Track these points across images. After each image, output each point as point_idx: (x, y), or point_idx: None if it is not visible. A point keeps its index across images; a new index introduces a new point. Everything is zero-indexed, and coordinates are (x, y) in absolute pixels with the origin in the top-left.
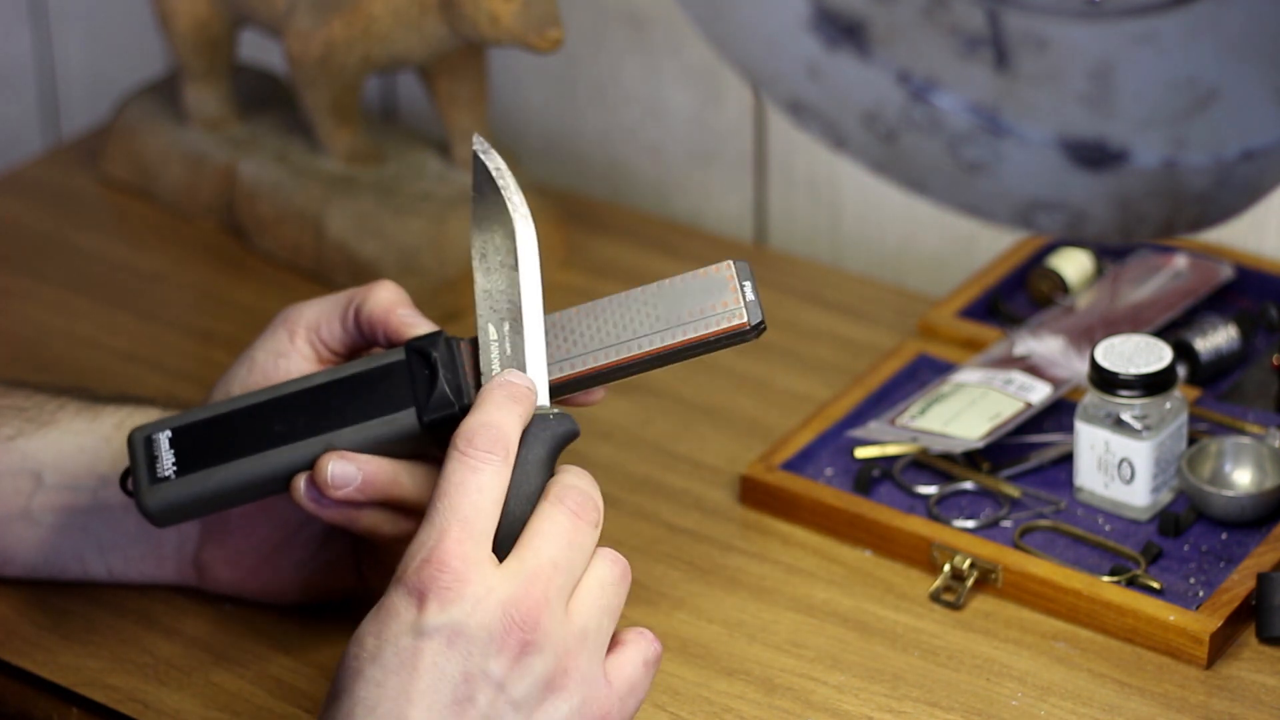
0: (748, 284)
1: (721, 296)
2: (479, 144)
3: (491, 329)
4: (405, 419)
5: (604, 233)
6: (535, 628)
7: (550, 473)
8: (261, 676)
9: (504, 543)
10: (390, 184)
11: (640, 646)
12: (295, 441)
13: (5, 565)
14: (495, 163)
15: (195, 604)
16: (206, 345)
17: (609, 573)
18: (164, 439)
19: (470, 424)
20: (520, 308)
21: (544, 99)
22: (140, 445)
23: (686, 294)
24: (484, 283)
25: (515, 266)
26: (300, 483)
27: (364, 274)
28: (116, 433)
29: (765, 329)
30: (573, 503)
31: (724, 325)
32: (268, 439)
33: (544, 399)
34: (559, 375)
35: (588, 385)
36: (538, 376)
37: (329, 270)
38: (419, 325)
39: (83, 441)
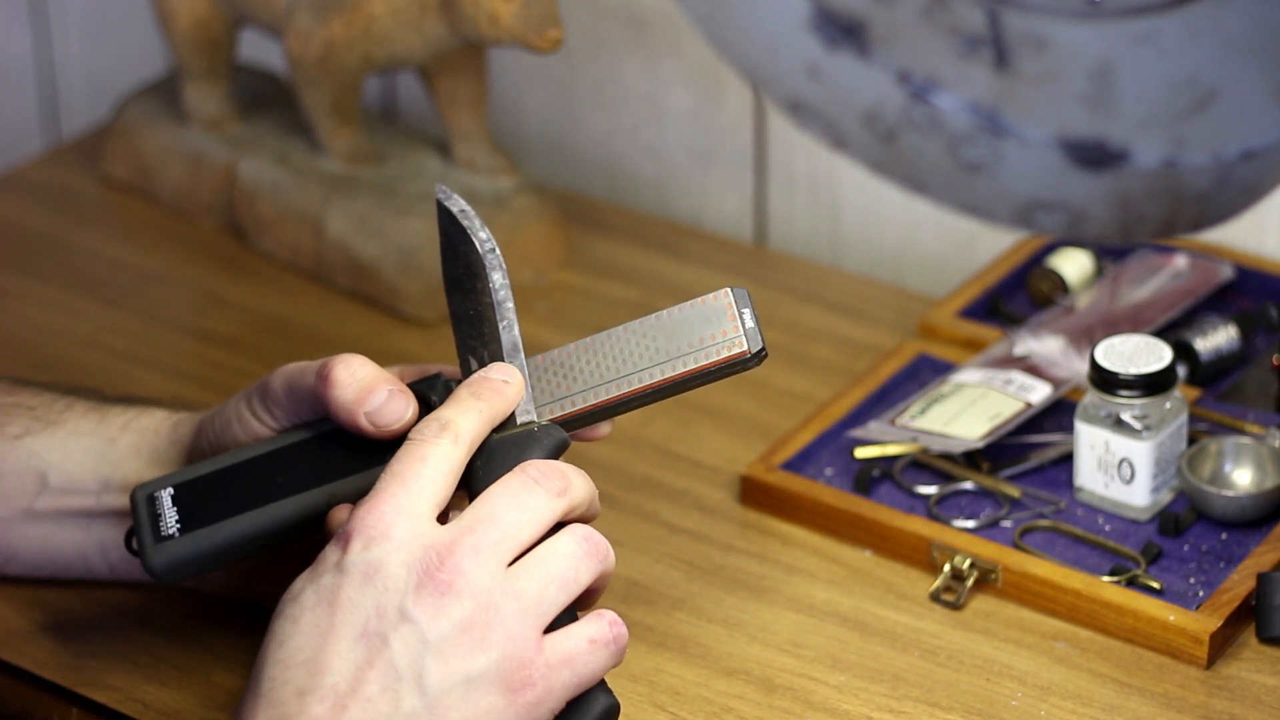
0: (746, 311)
1: (720, 325)
2: (441, 191)
3: (473, 362)
4: None
5: (604, 233)
6: (455, 570)
7: None
8: None
9: None
10: (390, 184)
11: (591, 624)
12: (298, 493)
13: (9, 563)
14: (459, 205)
15: (195, 604)
16: (206, 345)
17: (570, 545)
18: (166, 496)
19: (422, 420)
20: (498, 338)
21: (544, 99)
22: (143, 504)
23: (685, 324)
24: (460, 322)
25: (489, 300)
26: (345, 515)
27: (364, 274)
28: (122, 434)
29: (766, 356)
30: (533, 470)
31: (724, 355)
32: (270, 491)
33: (530, 415)
34: (560, 413)
35: (590, 422)
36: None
37: (329, 270)
38: (390, 417)
39: (88, 443)
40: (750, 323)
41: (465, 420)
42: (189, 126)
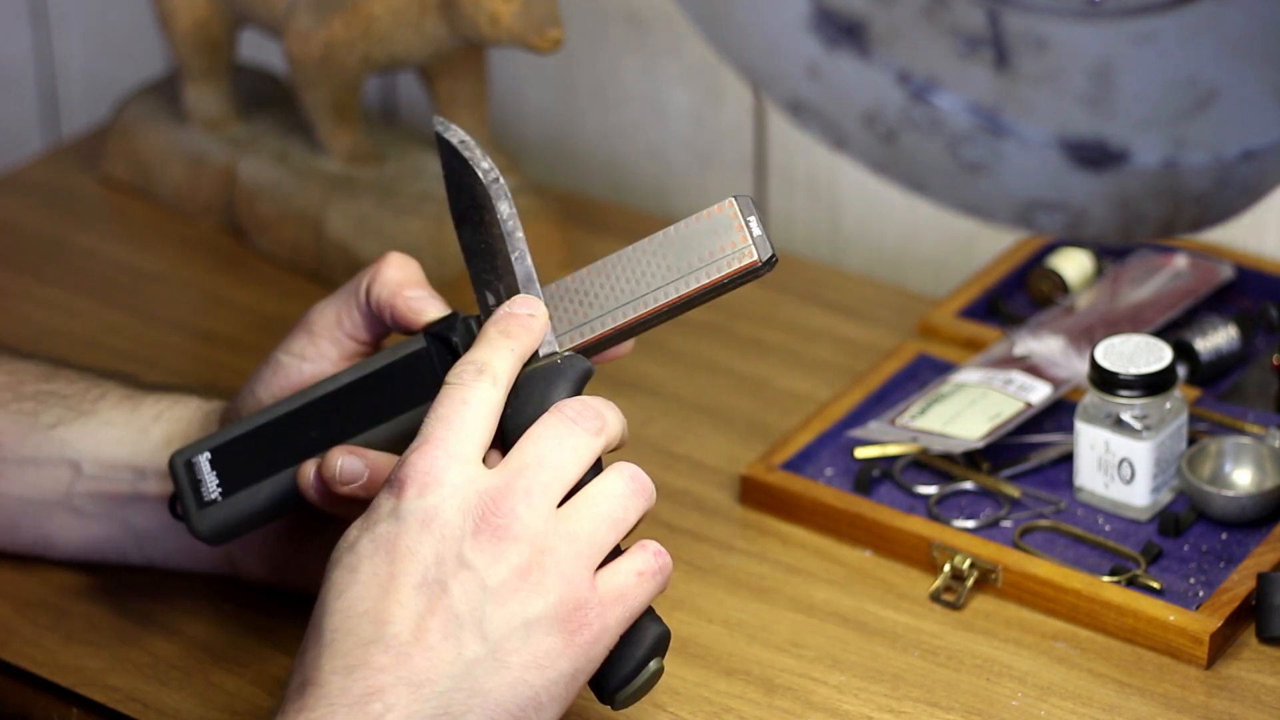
0: (752, 219)
1: (729, 236)
2: (439, 123)
3: (489, 296)
4: None
5: (604, 233)
6: (510, 514)
7: None
8: (261, 676)
9: None
10: (390, 184)
11: (637, 556)
12: (331, 446)
13: (49, 550)
14: (459, 136)
15: (195, 604)
16: (206, 345)
17: (616, 484)
18: (204, 461)
19: (457, 364)
20: (512, 269)
21: (544, 99)
22: (182, 470)
23: (693, 239)
24: (472, 256)
25: (499, 232)
26: (309, 473)
27: None
28: (155, 425)
29: (777, 261)
30: (571, 411)
31: (736, 266)
32: (305, 447)
33: (552, 344)
34: (580, 340)
35: (611, 344)
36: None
37: (329, 270)
38: (428, 308)
39: (120, 433)
40: (758, 230)
41: (499, 360)
42: (189, 126)
